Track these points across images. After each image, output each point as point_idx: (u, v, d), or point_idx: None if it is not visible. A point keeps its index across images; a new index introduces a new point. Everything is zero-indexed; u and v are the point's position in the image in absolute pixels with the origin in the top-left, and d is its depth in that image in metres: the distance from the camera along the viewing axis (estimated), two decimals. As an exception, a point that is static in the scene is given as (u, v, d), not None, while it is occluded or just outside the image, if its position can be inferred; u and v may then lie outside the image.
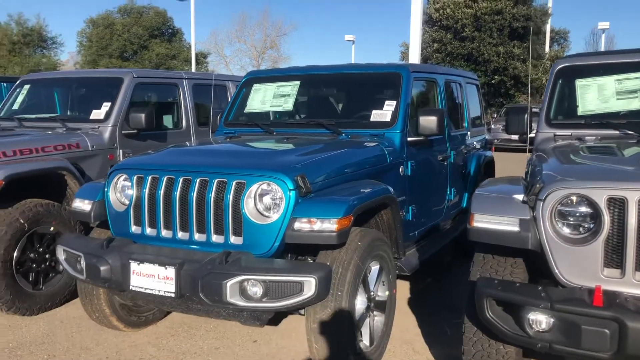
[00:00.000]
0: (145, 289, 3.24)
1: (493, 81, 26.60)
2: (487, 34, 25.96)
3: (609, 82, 3.94)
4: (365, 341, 3.49)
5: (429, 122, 4.28)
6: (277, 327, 4.20)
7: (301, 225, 3.12)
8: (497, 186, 3.25)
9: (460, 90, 5.85)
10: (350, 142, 4.18)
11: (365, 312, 3.47)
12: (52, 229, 4.48)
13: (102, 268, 3.33)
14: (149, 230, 3.48)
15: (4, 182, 4.11)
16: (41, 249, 4.48)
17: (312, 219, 3.12)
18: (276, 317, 3.83)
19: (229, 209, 3.22)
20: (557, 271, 2.64)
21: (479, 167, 5.93)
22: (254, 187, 3.23)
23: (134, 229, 3.54)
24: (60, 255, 3.66)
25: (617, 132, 3.74)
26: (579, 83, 4.04)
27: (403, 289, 5.11)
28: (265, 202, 3.23)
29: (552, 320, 2.50)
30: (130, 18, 36.96)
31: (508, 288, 2.66)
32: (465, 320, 2.97)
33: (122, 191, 3.65)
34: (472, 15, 26.06)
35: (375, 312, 3.64)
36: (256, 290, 3.02)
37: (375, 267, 3.60)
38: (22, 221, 4.26)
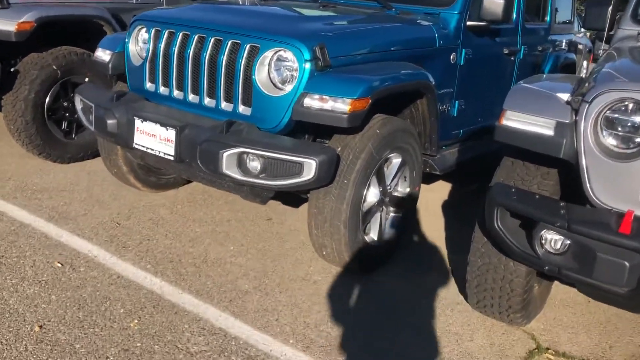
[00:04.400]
0: (147, 148, 3.11)
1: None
2: None
3: None
4: (373, 235, 3.25)
5: (493, 4, 3.68)
6: (296, 210, 4.05)
7: (312, 102, 2.80)
8: (543, 82, 2.74)
9: (549, -25, 5.04)
10: (396, 18, 3.69)
11: (376, 206, 3.21)
12: (86, 79, 4.41)
13: (108, 121, 3.21)
14: (162, 89, 3.29)
15: (35, 24, 4.00)
16: (75, 99, 4.46)
17: (324, 97, 2.79)
18: (296, 199, 3.67)
19: (240, 75, 2.94)
20: (588, 187, 2.21)
21: (555, 69, 5.22)
22: (268, 54, 2.91)
23: (148, 85, 3.36)
24: (78, 104, 3.57)
25: None
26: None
27: (443, 190, 4.78)
28: (278, 71, 2.92)
29: (567, 242, 2.14)
30: None
31: (525, 199, 2.29)
32: (476, 228, 2.64)
33: (141, 44, 3.44)
34: None
35: (390, 208, 3.37)
36: (255, 165, 2.81)
37: (396, 160, 3.27)
38: (55, 67, 4.20)
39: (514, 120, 2.43)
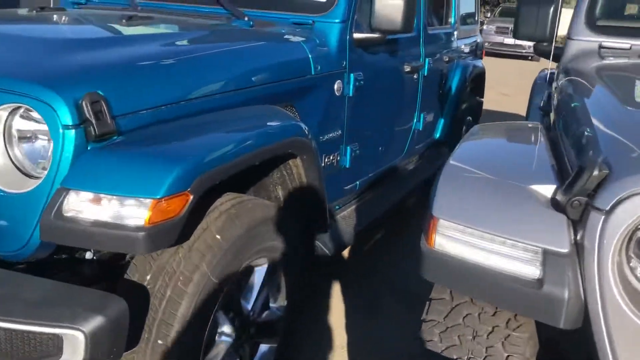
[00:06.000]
0: None
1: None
2: None
3: None
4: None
5: (389, 8, 2.54)
6: None
7: (77, 206, 1.48)
8: (493, 147, 1.61)
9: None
10: (249, 33, 2.44)
11: (233, 349, 1.94)
12: None
13: None
14: None
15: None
16: None
17: (100, 196, 1.48)
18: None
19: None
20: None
21: (464, 81, 4.23)
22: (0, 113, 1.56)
23: None
24: None
25: None
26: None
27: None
28: (20, 144, 1.58)
29: None
30: None
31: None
32: None
33: None
34: None
35: (260, 338, 2.12)
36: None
37: (260, 268, 2.02)
38: None
39: (455, 239, 1.26)
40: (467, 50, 4.51)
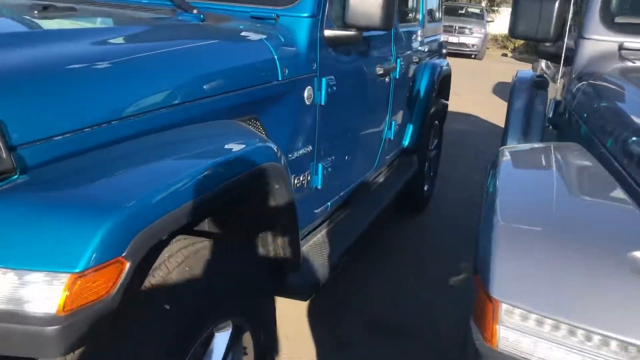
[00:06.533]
0: None
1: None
2: None
3: None
4: None
5: (367, 1, 2.13)
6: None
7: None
8: (547, 187, 1.21)
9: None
10: (198, 29, 1.96)
11: None
12: None
13: None
14: None
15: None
16: None
17: (-11, 271, 0.99)
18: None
19: None
20: None
21: (433, 84, 3.87)
22: None
23: None
24: None
25: None
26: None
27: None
28: None
29: None
30: None
31: None
32: None
33: None
34: None
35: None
36: None
37: (222, 334, 1.56)
38: None
39: (530, 334, 0.85)
40: (433, 49, 4.17)
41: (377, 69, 2.85)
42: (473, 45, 17.19)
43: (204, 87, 1.61)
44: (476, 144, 6.62)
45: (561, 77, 1.95)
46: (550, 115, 1.97)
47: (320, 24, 2.18)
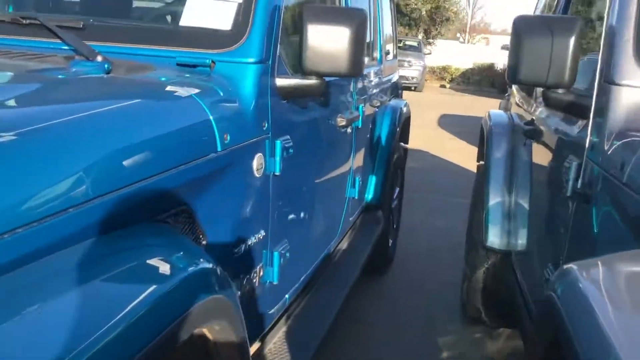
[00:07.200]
0: None
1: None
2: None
3: None
4: None
5: (330, 42, 1.63)
6: None
7: None
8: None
9: (373, -9, 3.21)
10: (100, 86, 1.39)
11: None
12: None
13: None
14: None
15: None
16: None
17: None
18: None
19: None
20: None
21: (394, 128, 3.42)
22: None
23: None
24: None
25: None
26: None
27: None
28: None
29: None
30: None
31: None
32: None
33: None
34: None
35: None
36: None
37: None
38: None
39: None
40: (392, 88, 3.74)
41: (339, 119, 2.35)
42: (413, 78, 17.24)
43: (102, 179, 1.03)
44: (430, 183, 6.25)
45: (590, 135, 1.51)
46: (579, 186, 1.52)
47: (271, 71, 1.66)
